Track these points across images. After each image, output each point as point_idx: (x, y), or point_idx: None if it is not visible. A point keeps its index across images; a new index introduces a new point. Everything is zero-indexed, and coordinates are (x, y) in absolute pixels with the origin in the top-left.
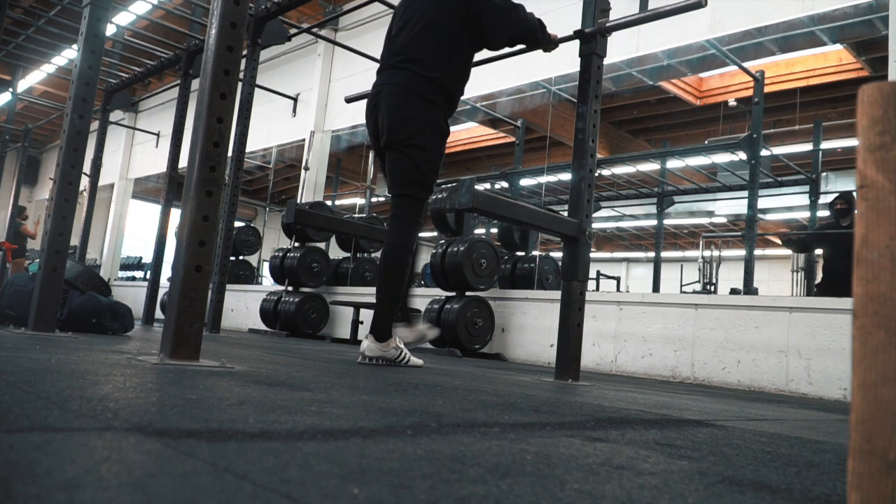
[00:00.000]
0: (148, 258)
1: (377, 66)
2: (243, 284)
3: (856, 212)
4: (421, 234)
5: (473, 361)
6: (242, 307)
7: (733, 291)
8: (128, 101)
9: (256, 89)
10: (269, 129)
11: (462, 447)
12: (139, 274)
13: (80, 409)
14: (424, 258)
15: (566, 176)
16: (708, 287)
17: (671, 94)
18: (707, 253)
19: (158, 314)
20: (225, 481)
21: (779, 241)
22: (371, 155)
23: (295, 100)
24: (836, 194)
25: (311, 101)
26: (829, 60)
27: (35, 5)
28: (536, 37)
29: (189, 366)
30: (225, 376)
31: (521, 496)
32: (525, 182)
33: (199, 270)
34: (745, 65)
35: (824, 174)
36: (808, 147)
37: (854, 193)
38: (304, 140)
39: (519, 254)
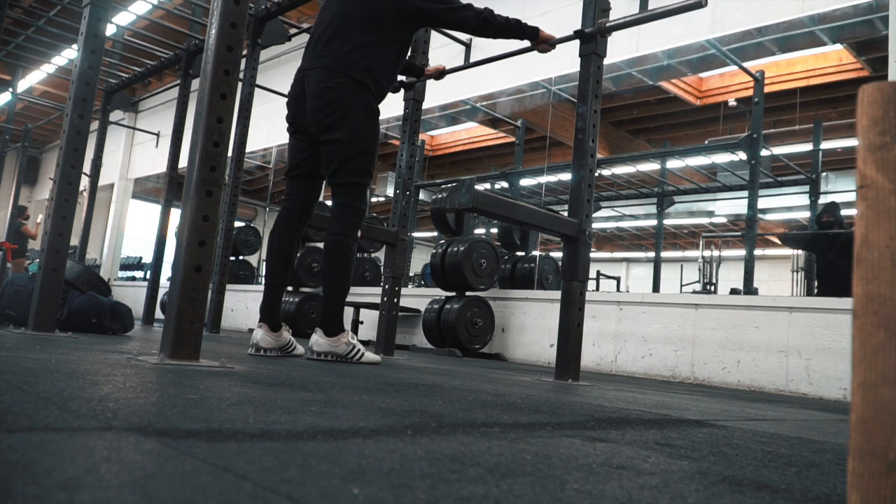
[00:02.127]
0: (148, 258)
1: None
2: (243, 284)
3: (842, 213)
4: (421, 235)
5: (473, 361)
6: (242, 307)
7: (733, 291)
8: (128, 101)
9: (256, 89)
10: (269, 129)
11: (462, 447)
12: (139, 274)
13: (80, 409)
14: (424, 258)
15: (566, 176)
16: (708, 287)
17: (671, 94)
18: (707, 253)
19: (158, 314)
20: (225, 481)
21: (779, 241)
22: None
23: None
24: (823, 207)
25: None
26: (829, 60)
27: (35, 5)
28: (519, 34)
29: (189, 366)
30: (225, 376)
31: (521, 496)
32: (525, 182)
33: (199, 270)
34: (745, 65)
35: (824, 174)
36: (808, 147)
37: (838, 206)
38: None
39: (519, 254)
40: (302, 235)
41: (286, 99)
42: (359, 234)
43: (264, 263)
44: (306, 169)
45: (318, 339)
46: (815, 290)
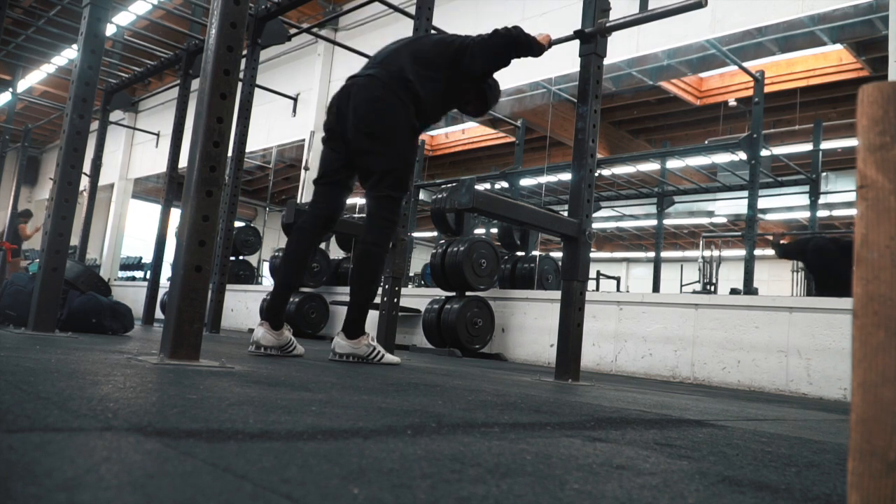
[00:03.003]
0: (148, 258)
1: None
2: (243, 284)
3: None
4: (421, 235)
5: (473, 361)
6: (242, 307)
7: (733, 291)
8: (128, 101)
9: (256, 89)
10: (269, 129)
11: (462, 447)
12: (139, 274)
13: (80, 409)
14: (424, 258)
15: (566, 176)
16: (708, 287)
17: (671, 94)
18: (707, 253)
19: (158, 314)
20: (225, 481)
21: (771, 242)
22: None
23: (295, 100)
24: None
25: (311, 101)
26: (829, 60)
27: (35, 5)
28: (527, 47)
29: (189, 366)
30: (225, 376)
31: (521, 496)
32: (525, 182)
33: (199, 270)
34: (745, 65)
35: (824, 174)
36: (808, 147)
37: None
38: (304, 140)
39: (519, 254)
40: (321, 242)
41: (328, 109)
42: (389, 246)
43: (269, 262)
44: (337, 178)
45: (339, 342)
46: (813, 288)
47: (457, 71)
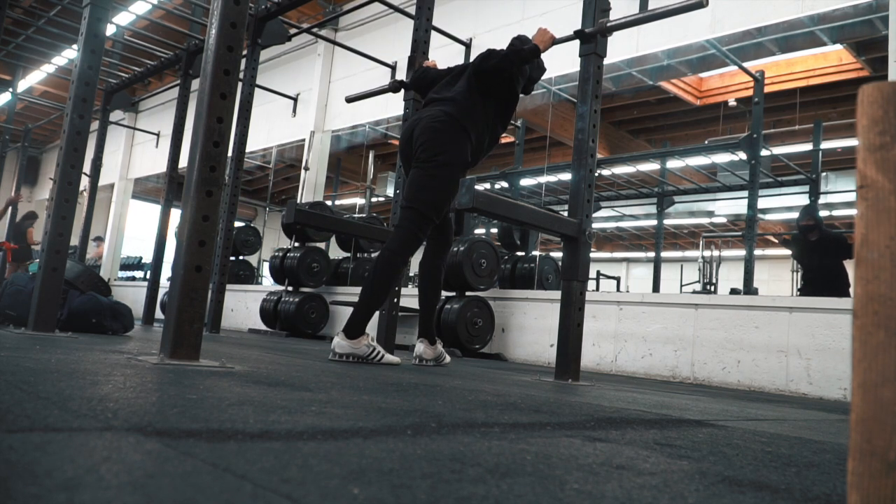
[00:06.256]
0: (148, 258)
1: (377, 66)
2: (243, 284)
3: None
4: None
5: (473, 361)
6: (242, 307)
7: (733, 291)
8: (128, 101)
9: (256, 89)
10: (269, 129)
11: (462, 447)
12: (139, 274)
13: (80, 409)
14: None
15: (566, 176)
16: (708, 287)
17: (671, 94)
18: (707, 253)
19: (158, 314)
20: (225, 481)
21: (778, 241)
22: (371, 155)
23: (295, 100)
24: (801, 210)
25: (311, 101)
26: (829, 60)
27: (35, 5)
28: (533, 54)
29: (189, 366)
30: (225, 376)
31: (521, 496)
32: (525, 182)
33: (199, 270)
34: (745, 65)
35: (824, 174)
36: (808, 147)
37: (815, 208)
38: (304, 140)
39: (519, 254)
40: (444, 261)
41: (400, 138)
42: (409, 258)
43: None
44: None
45: (339, 342)
46: (799, 288)
47: (487, 99)
